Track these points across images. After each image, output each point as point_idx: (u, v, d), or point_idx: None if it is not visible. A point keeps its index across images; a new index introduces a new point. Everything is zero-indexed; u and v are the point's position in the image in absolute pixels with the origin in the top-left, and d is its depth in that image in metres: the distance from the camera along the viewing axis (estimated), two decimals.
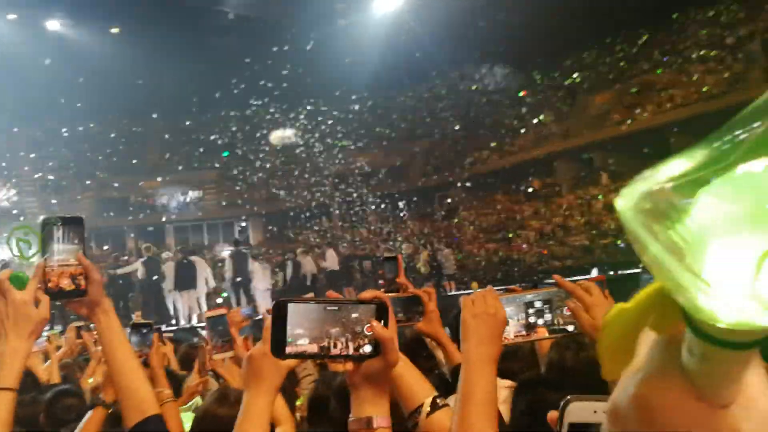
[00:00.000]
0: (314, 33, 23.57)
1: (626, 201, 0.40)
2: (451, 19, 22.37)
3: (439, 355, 2.49)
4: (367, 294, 1.19)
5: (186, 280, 14.19)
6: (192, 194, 26.10)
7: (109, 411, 2.42)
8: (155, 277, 14.52)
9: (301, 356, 1.13)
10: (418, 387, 1.61)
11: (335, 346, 1.13)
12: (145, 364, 2.41)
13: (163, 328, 11.58)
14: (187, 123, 27.37)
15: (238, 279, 15.28)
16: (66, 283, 1.57)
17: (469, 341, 1.48)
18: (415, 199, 24.76)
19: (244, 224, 26.61)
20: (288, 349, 1.11)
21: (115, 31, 24.46)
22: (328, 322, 1.13)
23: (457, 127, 25.29)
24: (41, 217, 1.55)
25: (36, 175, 25.37)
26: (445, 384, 2.26)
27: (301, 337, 1.12)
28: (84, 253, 1.56)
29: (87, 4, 22.19)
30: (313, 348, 1.12)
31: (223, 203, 26.17)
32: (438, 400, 1.57)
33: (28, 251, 1.55)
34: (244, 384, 1.40)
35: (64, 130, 27.00)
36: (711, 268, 0.37)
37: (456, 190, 24.61)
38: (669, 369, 0.43)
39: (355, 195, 24.34)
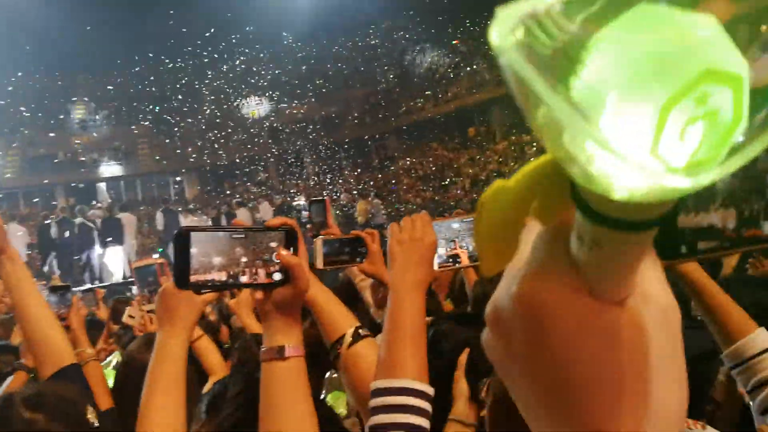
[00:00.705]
0: None
1: (503, 32, 0.31)
2: None
3: (367, 297, 2.50)
4: (275, 221, 1.18)
5: (113, 236, 14.55)
6: (124, 149, 25.97)
7: (31, 376, 2.42)
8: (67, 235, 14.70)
9: (208, 286, 1.11)
10: (340, 318, 1.60)
11: (244, 274, 1.12)
12: (66, 327, 2.39)
13: (96, 285, 12.06)
14: (118, 77, 27.03)
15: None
16: None
17: (394, 268, 1.39)
18: (351, 149, 25.24)
19: (178, 178, 26.68)
20: (193, 279, 1.08)
21: None
22: (235, 251, 1.12)
23: (391, 76, 25.69)
24: None
25: None
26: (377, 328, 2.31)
27: (207, 267, 1.09)
28: None
29: None
30: (221, 276, 1.10)
31: (156, 158, 26.13)
32: (360, 330, 1.56)
33: None
34: (157, 323, 1.39)
35: None
36: (607, 126, 0.30)
37: (392, 139, 25.21)
38: (556, 262, 0.39)
39: (291, 146, 24.69)
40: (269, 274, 1.14)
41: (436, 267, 1.71)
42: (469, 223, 2.13)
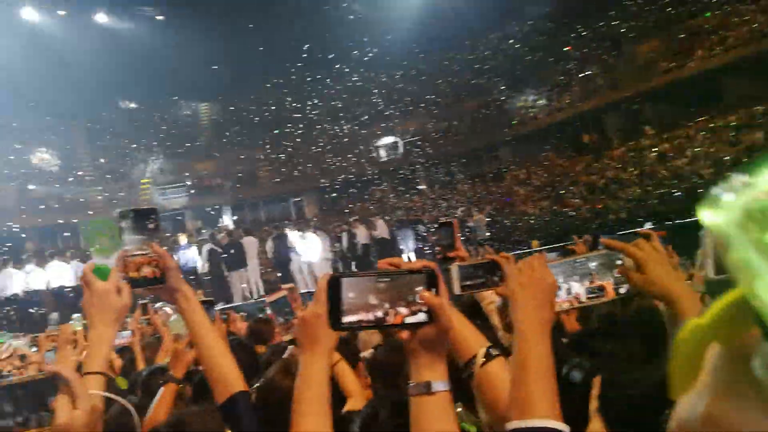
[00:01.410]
0: (355, 1, 24.67)
1: (722, 211, 0.41)
2: None
3: (495, 320, 2.61)
4: (417, 263, 1.28)
5: (235, 260, 15.95)
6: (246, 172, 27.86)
7: (179, 386, 2.69)
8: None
9: (358, 327, 1.24)
10: (472, 338, 1.74)
11: (389, 315, 1.22)
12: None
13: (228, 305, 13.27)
14: (236, 102, 29.05)
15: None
16: (146, 272, 1.69)
17: (519, 310, 1.49)
18: (465, 162, 25.87)
19: (299, 200, 28.25)
20: (344, 320, 1.22)
21: (159, 18, 26.01)
22: (381, 293, 1.22)
23: (502, 87, 26.16)
24: (117, 210, 1.71)
25: (96, 163, 27.37)
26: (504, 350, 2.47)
27: (356, 309, 1.22)
28: (159, 243, 1.70)
29: None
30: (369, 318, 1.22)
31: (277, 180, 27.76)
32: (492, 350, 1.68)
33: (105, 244, 1.88)
34: (299, 348, 1.52)
35: (114, 116, 29.05)
36: None
37: (505, 150, 25.69)
38: (741, 385, 0.41)
39: (405, 161, 25.65)
40: (413, 314, 1.23)
41: (583, 298, 1.99)
42: (604, 257, 2.29)
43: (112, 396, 1.54)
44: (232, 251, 16.23)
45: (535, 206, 23.40)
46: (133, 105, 30.33)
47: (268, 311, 7.10)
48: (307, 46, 26.30)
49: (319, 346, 1.47)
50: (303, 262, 17.07)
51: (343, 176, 27.59)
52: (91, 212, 25.17)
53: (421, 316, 1.22)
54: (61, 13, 26.06)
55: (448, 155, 27.29)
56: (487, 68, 28.49)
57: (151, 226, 1.68)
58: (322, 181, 28.34)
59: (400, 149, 28.10)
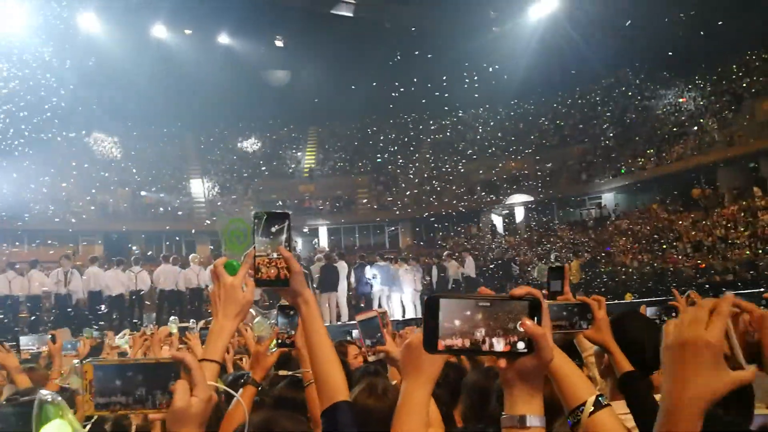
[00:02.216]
0: (467, 41, 25.35)
1: None
2: (607, 22, 23.22)
3: (594, 373, 2.56)
4: (520, 290, 1.22)
5: (328, 282, 16.34)
6: (346, 198, 28.80)
7: (258, 389, 2.78)
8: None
9: (453, 351, 1.22)
10: (580, 384, 1.69)
11: (487, 341, 1.20)
12: (292, 344, 2.79)
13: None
14: (344, 129, 30.29)
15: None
16: (272, 273, 1.75)
17: (671, 379, 1.15)
18: (565, 206, 25.87)
19: (393, 229, 28.94)
20: (440, 344, 1.20)
21: (278, 44, 27.55)
22: (480, 318, 1.20)
23: (611, 133, 26.10)
24: (253, 212, 1.77)
25: (204, 178, 29.06)
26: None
27: (453, 332, 1.20)
28: (287, 247, 1.74)
29: (254, 18, 25.20)
30: (465, 343, 1.20)
31: (375, 207, 28.59)
32: (601, 399, 1.64)
33: (240, 241, 1.88)
34: (402, 373, 1.53)
35: (225, 133, 30.77)
36: None
37: (609, 198, 25.53)
38: None
39: (504, 201, 25.90)
40: (512, 343, 1.20)
41: None
42: None
43: (224, 387, 1.60)
44: (327, 273, 16.82)
45: (634, 258, 23.11)
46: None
47: (355, 333, 7.53)
48: (413, 82, 27.20)
49: (423, 373, 1.49)
50: (388, 292, 17.54)
51: (440, 210, 28.18)
52: (194, 221, 26.88)
53: (521, 346, 1.20)
54: (188, 32, 28.13)
55: (549, 198, 27.35)
56: (597, 114, 28.53)
57: (280, 229, 1.75)
58: (419, 212, 29.07)
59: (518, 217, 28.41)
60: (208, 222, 26.33)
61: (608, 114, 28.25)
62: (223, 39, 28.98)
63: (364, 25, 26.97)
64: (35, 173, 23.11)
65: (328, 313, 16.38)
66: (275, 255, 1.73)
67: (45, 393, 1.37)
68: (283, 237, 1.74)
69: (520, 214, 28.00)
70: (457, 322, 1.20)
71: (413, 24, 27.00)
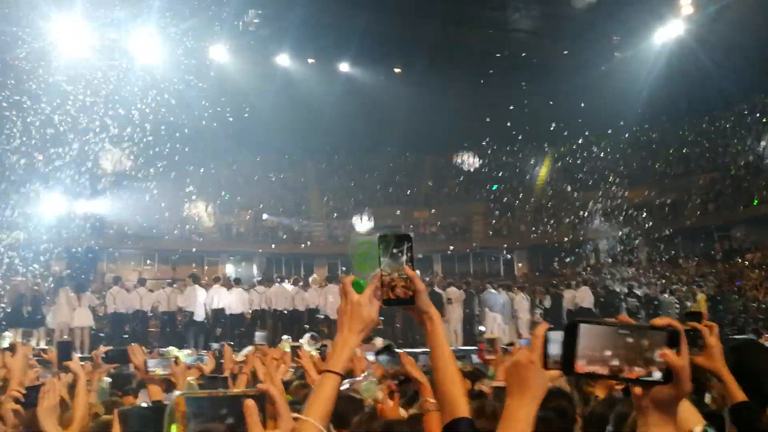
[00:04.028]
0: (589, 67, 25.36)
1: None
2: (739, 45, 22.60)
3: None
4: (661, 321, 1.29)
5: None
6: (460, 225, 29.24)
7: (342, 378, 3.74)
8: None
9: (590, 376, 1.28)
10: (688, 413, 1.73)
11: (625, 369, 1.26)
12: (407, 380, 2.86)
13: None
14: (458, 158, 30.92)
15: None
16: (398, 292, 1.82)
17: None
18: (691, 238, 25.12)
19: (509, 256, 29.07)
20: (577, 368, 1.27)
21: (397, 71, 28.54)
22: (617, 345, 1.25)
23: (742, 162, 25.22)
24: (379, 234, 1.86)
25: (323, 201, 30.35)
26: (716, 420, 2.39)
27: (590, 357, 1.27)
28: (411, 267, 1.82)
29: (374, 47, 26.23)
30: (603, 369, 1.26)
31: (489, 234, 28.86)
32: (708, 429, 1.69)
33: (369, 262, 1.86)
34: (508, 391, 1.54)
35: (344, 160, 32.05)
36: None
37: (739, 230, 24.63)
38: None
39: (625, 231, 25.47)
40: (647, 372, 1.24)
41: None
42: None
43: (312, 420, 1.60)
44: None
45: (766, 293, 22.18)
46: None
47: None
48: (530, 109, 27.40)
49: (529, 392, 1.48)
50: (501, 321, 17.79)
51: (557, 239, 28.15)
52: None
53: (657, 375, 1.24)
54: (310, 60, 29.63)
55: (674, 230, 26.65)
56: (727, 142, 27.66)
57: (407, 251, 1.82)
58: (534, 241, 29.10)
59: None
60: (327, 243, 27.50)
61: (739, 142, 27.31)
62: (344, 68, 30.29)
63: (484, 55, 27.53)
64: (166, 197, 24.94)
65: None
66: (400, 275, 1.80)
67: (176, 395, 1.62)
68: (407, 257, 1.81)
69: (641, 245, 27.42)
70: (595, 348, 1.26)
71: (533, 51, 27.31)
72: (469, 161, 30.95)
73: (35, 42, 19.32)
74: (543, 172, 31.89)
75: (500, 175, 31.61)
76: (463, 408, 1.87)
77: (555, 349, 1.41)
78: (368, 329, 1.82)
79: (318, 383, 1.75)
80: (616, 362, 1.25)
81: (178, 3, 20.50)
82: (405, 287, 1.81)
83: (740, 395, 2.23)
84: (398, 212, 31.06)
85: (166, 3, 20.23)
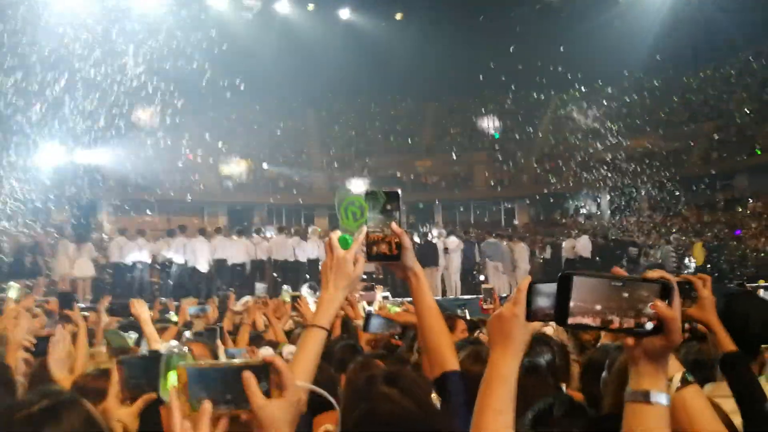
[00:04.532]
0: (592, 14, 24.99)
1: None
2: None
3: None
4: (654, 273, 1.32)
5: (426, 257, 16.47)
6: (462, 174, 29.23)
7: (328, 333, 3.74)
8: None
9: (582, 327, 1.30)
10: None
11: (616, 320, 1.27)
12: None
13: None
14: (458, 105, 30.64)
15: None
16: (383, 248, 1.85)
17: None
18: (693, 187, 25.04)
19: (512, 206, 29.17)
20: (570, 320, 1.29)
21: (398, 18, 28.17)
22: (610, 297, 1.27)
23: (747, 110, 24.98)
24: (365, 190, 1.86)
25: (323, 150, 30.27)
26: (700, 367, 2.50)
27: (584, 310, 1.28)
28: (398, 223, 1.84)
29: None
30: (596, 321, 1.28)
31: (491, 183, 28.84)
32: (687, 377, 1.71)
33: (356, 218, 1.83)
34: (491, 343, 1.55)
35: (345, 108, 31.86)
36: None
37: (741, 179, 24.58)
38: None
39: (627, 180, 25.43)
40: (639, 324, 1.27)
41: None
42: None
43: (314, 388, 1.58)
44: (424, 249, 16.91)
45: (767, 242, 22.23)
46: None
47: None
48: (535, 58, 27.07)
49: (513, 344, 1.49)
50: (500, 270, 17.90)
51: (558, 189, 28.19)
52: (314, 195, 28.17)
53: (650, 326, 1.26)
54: (310, 7, 29.23)
55: (677, 178, 26.59)
56: (732, 89, 27.39)
57: (392, 207, 1.83)
58: (536, 191, 29.14)
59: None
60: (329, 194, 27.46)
61: (744, 90, 27.05)
62: (345, 14, 29.89)
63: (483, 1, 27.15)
64: (166, 147, 24.87)
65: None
66: (387, 231, 1.83)
67: (173, 344, 1.65)
68: (396, 214, 1.83)
69: (642, 194, 27.40)
70: (588, 300, 1.27)
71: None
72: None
73: None
74: (545, 119, 31.69)
75: (502, 123, 31.42)
76: (451, 361, 1.93)
77: (543, 302, 1.44)
78: (353, 285, 1.84)
79: (303, 338, 1.78)
80: (608, 314, 1.27)
81: None
82: (390, 243, 1.85)
83: (730, 345, 2.27)
84: (399, 161, 31.03)
85: None
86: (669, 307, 1.26)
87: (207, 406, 1.22)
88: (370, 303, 8.73)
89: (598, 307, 1.27)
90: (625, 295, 1.27)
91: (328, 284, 1.82)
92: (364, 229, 1.84)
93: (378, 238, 1.85)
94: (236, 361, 1.32)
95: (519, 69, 27.95)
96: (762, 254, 21.50)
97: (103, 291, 16.52)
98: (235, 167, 28.93)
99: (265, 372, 1.27)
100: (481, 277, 18.49)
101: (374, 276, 17.17)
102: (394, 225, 1.84)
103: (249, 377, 1.25)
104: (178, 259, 16.58)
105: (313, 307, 6.12)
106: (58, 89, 20.06)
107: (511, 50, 26.73)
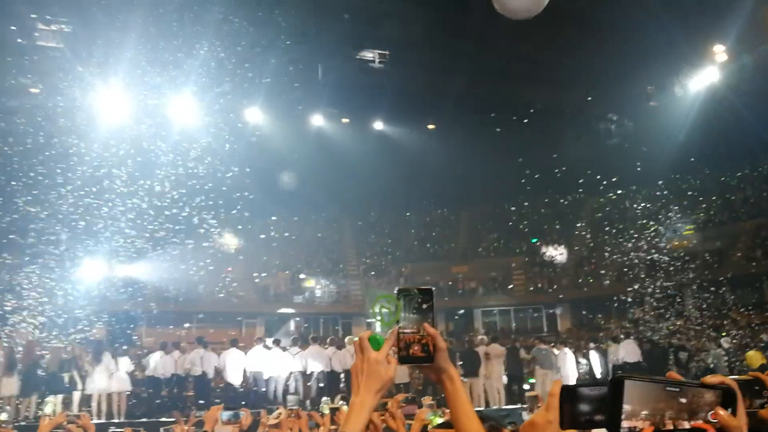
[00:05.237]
0: (624, 116, 25.21)
1: None
2: None
3: None
4: (714, 378, 1.22)
5: (468, 367, 16.52)
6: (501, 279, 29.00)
7: None
8: None
9: None
10: None
11: (670, 424, 1.18)
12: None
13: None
14: (496, 210, 30.77)
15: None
16: (416, 350, 1.75)
17: None
18: (739, 286, 24.44)
19: (551, 311, 28.70)
20: (623, 425, 1.19)
21: (431, 128, 28.74)
22: (665, 403, 1.18)
23: None
24: (398, 287, 1.79)
25: (360, 261, 30.37)
26: None
27: (634, 415, 1.19)
28: (432, 324, 1.75)
29: (407, 106, 26.48)
30: (648, 427, 1.18)
31: (530, 288, 28.54)
32: None
33: (388, 318, 1.76)
34: None
35: (380, 217, 32.16)
36: None
37: None
38: None
39: (671, 282, 24.94)
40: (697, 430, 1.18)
41: None
42: None
43: None
44: (466, 358, 16.96)
45: None
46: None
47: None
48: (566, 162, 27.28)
49: None
50: (551, 376, 17.35)
51: (600, 291, 27.58)
52: (349, 304, 28.06)
53: None
54: (345, 120, 29.99)
55: (721, 279, 26.02)
56: None
57: (428, 307, 1.76)
58: (578, 294, 28.57)
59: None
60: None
61: None
62: (378, 125, 30.57)
63: (516, 107, 27.57)
64: (203, 258, 25.19)
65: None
66: (420, 332, 1.74)
67: None
68: (430, 314, 1.75)
69: (688, 295, 26.76)
70: (642, 406, 1.19)
71: (567, 104, 27.25)
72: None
73: (76, 109, 19.97)
74: (584, 221, 31.55)
75: (539, 228, 31.39)
76: None
77: (584, 407, 1.35)
78: (385, 389, 1.74)
79: None
80: (662, 421, 1.18)
81: (215, 68, 21.07)
82: (423, 344, 1.75)
83: None
84: (435, 267, 30.94)
85: (203, 69, 20.81)
86: (732, 415, 1.17)
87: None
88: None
89: (651, 414, 1.18)
90: (683, 401, 1.18)
91: (360, 388, 1.72)
92: (396, 328, 1.75)
93: (411, 339, 1.74)
94: None
95: (552, 172, 28.16)
96: None
97: (139, 406, 16.46)
98: (273, 279, 29.18)
99: None
100: (525, 386, 18.03)
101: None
102: (427, 325, 1.74)
103: None
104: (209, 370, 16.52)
105: None
106: (105, 208, 20.70)
107: (554, 156, 27.09)
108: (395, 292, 1.77)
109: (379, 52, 23.65)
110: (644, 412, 1.18)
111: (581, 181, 29.22)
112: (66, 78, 19.14)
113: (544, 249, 30.47)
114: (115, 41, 18.95)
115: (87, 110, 20.14)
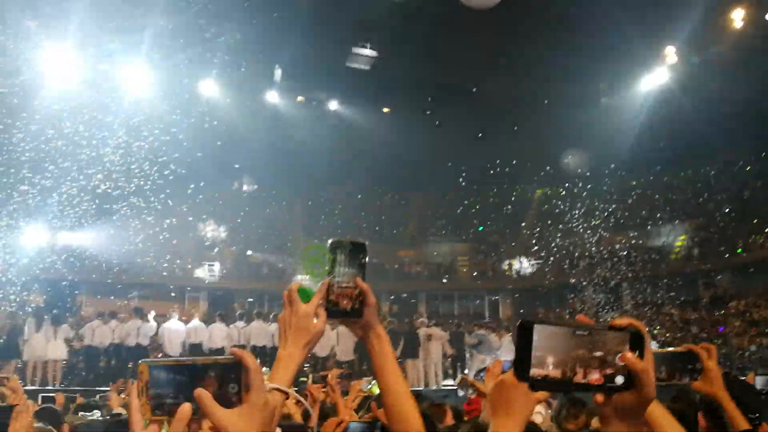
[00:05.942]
0: (575, 112, 25.55)
1: None
2: (724, 95, 22.83)
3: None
4: (622, 321, 1.19)
5: (409, 349, 16.70)
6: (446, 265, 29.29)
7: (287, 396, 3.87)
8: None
9: (545, 382, 1.17)
10: (663, 419, 1.69)
11: (581, 373, 1.15)
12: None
13: None
14: (446, 197, 30.99)
15: None
16: (345, 304, 1.73)
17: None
18: (676, 284, 25.13)
19: (496, 299, 29.15)
20: (532, 372, 1.16)
21: (386, 111, 28.73)
22: (575, 348, 1.15)
23: (727, 210, 25.33)
24: (331, 240, 1.76)
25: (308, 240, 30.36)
26: None
27: (545, 361, 1.15)
28: (363, 279, 1.73)
29: (362, 87, 26.39)
30: (557, 373, 1.15)
31: (474, 274, 28.89)
32: None
33: (318, 269, 1.73)
34: (492, 412, 1.45)
35: (330, 198, 32.11)
36: None
37: (724, 277, 24.71)
38: None
39: (609, 276, 25.54)
40: (608, 376, 1.15)
41: None
42: None
43: (280, 387, 1.58)
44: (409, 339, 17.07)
45: (750, 341, 22.19)
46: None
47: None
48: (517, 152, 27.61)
49: (515, 412, 1.37)
50: (487, 363, 17.64)
51: (542, 282, 28.20)
52: (295, 281, 27.87)
53: (619, 380, 1.15)
54: (300, 99, 29.75)
55: (659, 275, 26.73)
56: (712, 189, 27.85)
57: (360, 261, 1.74)
58: (520, 283, 29.10)
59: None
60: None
61: (723, 190, 27.47)
62: (333, 105, 30.39)
63: (470, 94, 27.71)
64: (150, 229, 24.81)
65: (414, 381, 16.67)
66: (351, 286, 1.71)
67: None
68: (362, 269, 1.73)
69: (623, 291, 27.45)
70: (550, 351, 1.15)
71: (521, 94, 27.49)
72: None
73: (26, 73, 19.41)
74: (528, 214, 32.03)
75: (486, 216, 31.74)
76: (417, 426, 1.79)
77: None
78: (314, 342, 1.70)
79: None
80: (570, 366, 1.15)
81: (169, 38, 20.69)
82: (353, 299, 1.72)
83: (743, 422, 2.15)
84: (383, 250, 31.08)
85: (157, 38, 20.41)
86: (640, 358, 1.14)
87: (186, 408, 1.11)
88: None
89: (561, 359, 1.15)
90: (592, 345, 1.15)
91: (287, 341, 1.67)
92: (327, 281, 1.71)
93: (342, 293, 1.71)
94: (205, 359, 1.20)
95: (503, 162, 28.47)
96: (747, 353, 21.44)
97: (75, 375, 16.24)
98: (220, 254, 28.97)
99: (236, 371, 1.17)
100: (466, 370, 18.30)
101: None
102: (359, 280, 1.71)
103: (200, 394, 1.13)
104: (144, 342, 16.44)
105: None
106: (47, 174, 20.20)
107: (497, 144, 27.34)
108: (328, 244, 1.75)
109: (341, 32, 23.43)
110: (552, 359, 1.15)
111: (527, 172, 29.82)
112: (6, 32, 18.56)
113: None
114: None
115: (30, 70, 19.60)
